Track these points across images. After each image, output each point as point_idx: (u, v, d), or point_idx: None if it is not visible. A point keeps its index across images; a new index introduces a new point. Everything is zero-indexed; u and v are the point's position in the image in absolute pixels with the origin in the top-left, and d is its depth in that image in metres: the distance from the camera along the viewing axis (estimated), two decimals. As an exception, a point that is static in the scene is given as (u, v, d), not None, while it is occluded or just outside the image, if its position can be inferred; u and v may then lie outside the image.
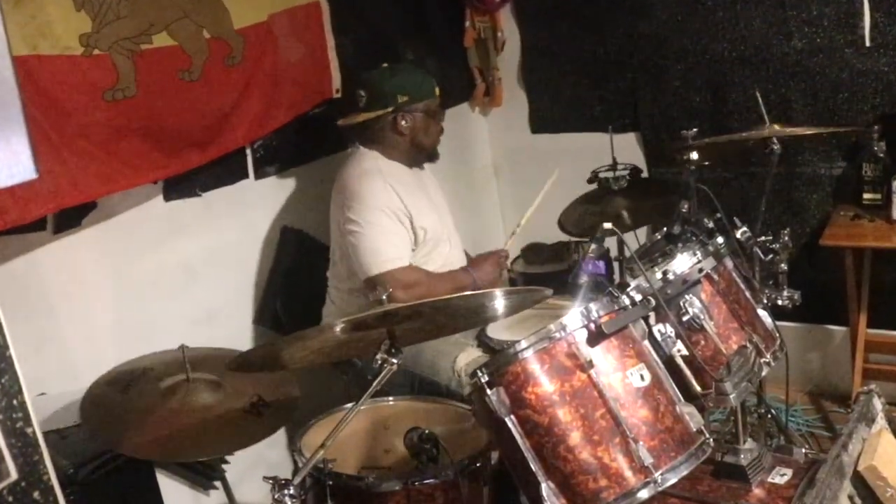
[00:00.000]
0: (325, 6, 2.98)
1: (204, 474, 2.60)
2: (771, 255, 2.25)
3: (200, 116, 2.52)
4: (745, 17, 3.24)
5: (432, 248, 2.70)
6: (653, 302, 1.72)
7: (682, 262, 1.87)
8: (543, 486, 1.60)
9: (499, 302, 1.84)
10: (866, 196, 3.06)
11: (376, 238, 2.54)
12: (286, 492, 1.52)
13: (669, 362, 1.76)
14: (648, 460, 1.57)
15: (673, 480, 1.59)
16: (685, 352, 1.79)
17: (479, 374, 1.65)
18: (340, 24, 3.04)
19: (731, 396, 1.73)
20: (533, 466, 1.61)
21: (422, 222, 2.65)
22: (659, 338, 1.77)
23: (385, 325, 1.65)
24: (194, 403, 1.95)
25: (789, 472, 1.87)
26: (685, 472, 1.60)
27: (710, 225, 2.02)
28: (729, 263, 2.01)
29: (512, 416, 1.62)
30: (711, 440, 1.67)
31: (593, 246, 1.90)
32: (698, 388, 1.77)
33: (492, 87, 3.85)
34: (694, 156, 2.45)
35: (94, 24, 2.18)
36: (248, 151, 2.86)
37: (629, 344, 1.69)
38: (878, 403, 2.03)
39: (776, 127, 2.54)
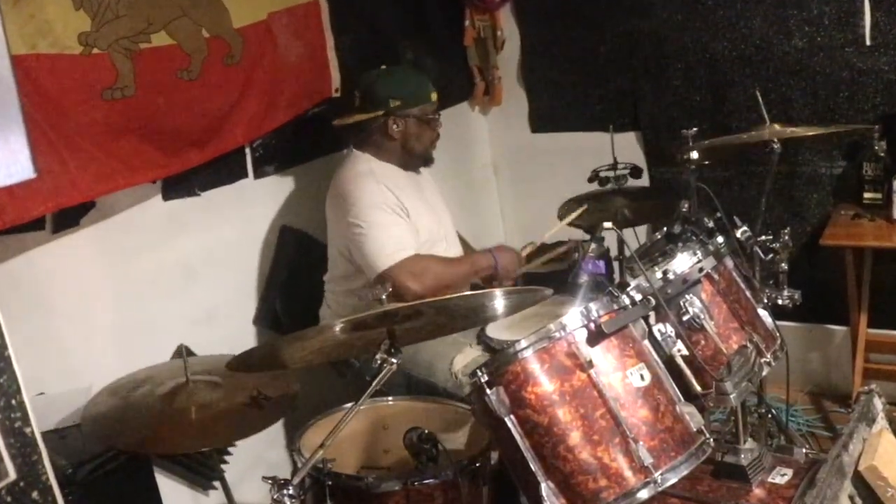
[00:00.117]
0: (324, 5, 2.97)
1: (203, 474, 2.60)
2: (771, 255, 2.25)
3: (199, 116, 2.51)
4: (745, 16, 3.24)
5: (428, 248, 2.69)
6: (653, 301, 1.71)
7: (683, 262, 1.86)
8: (543, 486, 1.59)
9: (498, 302, 1.84)
10: (867, 195, 3.06)
11: (378, 235, 2.53)
12: (285, 492, 1.52)
13: (669, 362, 1.75)
14: (648, 460, 1.57)
15: (673, 480, 1.59)
16: (685, 351, 1.79)
17: (479, 373, 1.65)
18: (340, 23, 3.04)
19: (732, 396, 1.73)
20: (532, 466, 1.60)
21: (417, 222, 2.64)
22: (659, 337, 1.77)
23: (385, 324, 1.65)
24: (195, 401, 1.95)
25: (790, 472, 1.86)
26: (685, 472, 1.60)
27: (711, 224, 2.02)
28: (729, 263, 2.00)
29: (511, 416, 1.62)
30: (711, 440, 1.67)
31: (593, 245, 1.90)
32: (698, 388, 1.77)
33: (491, 86, 3.84)
34: (694, 155, 2.45)
35: (93, 24, 2.17)
36: (248, 151, 2.85)
37: (629, 343, 1.69)
38: (878, 403, 2.03)
39: (777, 127, 2.53)
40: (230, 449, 2.72)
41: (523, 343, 1.64)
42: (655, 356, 1.73)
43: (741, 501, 1.81)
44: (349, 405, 1.66)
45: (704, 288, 1.89)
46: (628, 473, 1.58)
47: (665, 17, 3.39)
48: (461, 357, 2.52)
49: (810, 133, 2.60)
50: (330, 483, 1.88)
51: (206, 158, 2.58)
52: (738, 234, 2.11)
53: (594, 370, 1.61)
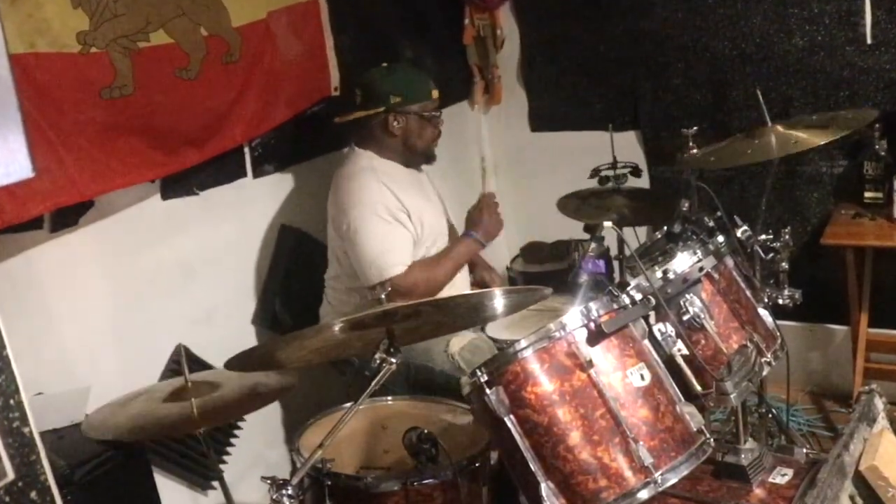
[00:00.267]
0: (323, 4, 2.96)
1: (202, 474, 2.60)
2: (772, 254, 2.24)
3: (198, 114, 2.51)
4: (745, 15, 3.23)
5: (431, 244, 2.70)
6: (653, 301, 1.71)
7: (683, 261, 1.86)
8: (543, 486, 1.59)
9: (498, 301, 1.83)
10: (867, 194, 3.05)
11: (374, 245, 2.54)
12: (284, 492, 1.52)
13: (670, 362, 1.75)
14: (648, 460, 1.56)
15: (673, 480, 1.58)
16: (685, 351, 1.78)
17: (479, 373, 1.64)
18: (339, 22, 3.03)
19: (732, 396, 1.73)
20: (532, 466, 1.60)
21: (420, 219, 2.64)
22: (659, 337, 1.76)
23: (384, 324, 1.65)
24: (195, 394, 1.95)
25: (790, 472, 1.86)
26: (685, 473, 1.60)
27: (711, 224, 2.01)
28: (729, 262, 2.00)
29: (511, 416, 1.62)
30: (712, 440, 1.67)
31: (593, 245, 1.89)
32: (699, 388, 1.76)
33: (491, 85, 3.84)
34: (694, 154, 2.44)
35: (92, 22, 2.16)
36: (247, 150, 2.84)
37: (629, 343, 1.68)
38: (879, 403, 2.03)
39: (779, 128, 2.51)
40: (229, 448, 2.73)
41: (523, 343, 1.63)
42: (655, 356, 1.73)
43: (742, 501, 1.81)
44: (348, 405, 1.66)
45: (705, 287, 1.88)
46: (628, 473, 1.57)
47: (665, 15, 3.38)
48: (457, 339, 2.55)
49: (815, 142, 2.51)
50: (329, 483, 1.87)
51: (205, 157, 2.57)
52: (739, 233, 2.10)
53: (594, 370, 1.61)
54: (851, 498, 1.78)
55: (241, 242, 2.90)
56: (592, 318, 1.65)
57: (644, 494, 1.56)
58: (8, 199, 1.98)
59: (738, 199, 3.30)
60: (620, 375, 1.63)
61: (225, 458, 2.70)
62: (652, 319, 1.75)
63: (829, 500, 1.69)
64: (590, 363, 1.61)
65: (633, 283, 1.77)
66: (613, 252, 2.82)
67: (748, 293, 2.01)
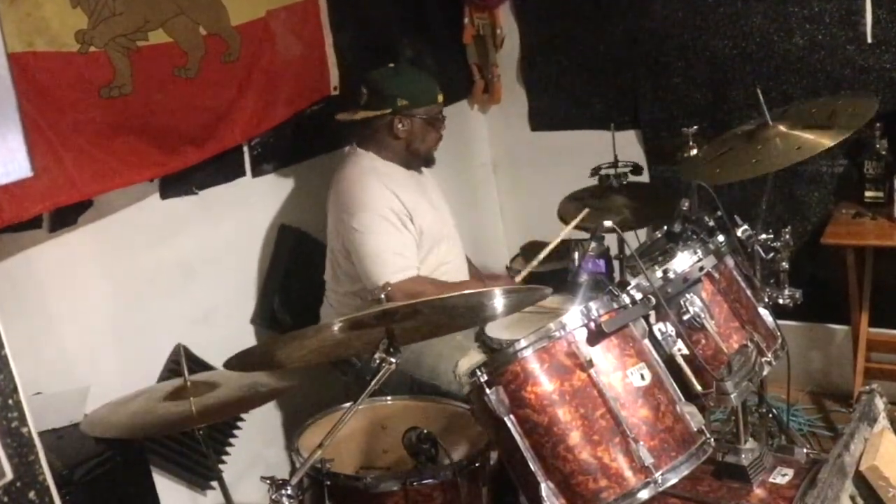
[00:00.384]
0: (322, 3, 2.96)
1: (201, 474, 2.60)
2: (772, 254, 2.24)
3: (197, 114, 2.50)
4: (746, 14, 3.22)
5: (429, 249, 2.68)
6: (653, 301, 1.71)
7: (683, 261, 1.85)
8: (543, 486, 1.59)
9: (498, 301, 1.83)
10: (868, 194, 3.04)
11: (380, 247, 2.53)
12: (284, 492, 1.51)
13: (670, 361, 1.75)
14: (649, 460, 1.56)
15: (673, 481, 1.58)
16: (686, 351, 1.78)
17: (478, 373, 1.64)
18: (338, 20, 3.02)
19: (732, 396, 1.72)
20: (532, 466, 1.60)
21: (420, 222, 2.63)
22: (659, 337, 1.76)
23: (384, 324, 1.64)
24: (194, 393, 1.95)
25: (791, 472, 1.86)
26: (686, 473, 1.60)
27: (711, 223, 2.01)
28: (730, 262, 1.99)
29: (511, 416, 1.62)
30: (712, 440, 1.67)
31: (593, 244, 1.89)
32: (699, 388, 1.76)
33: (491, 84, 3.83)
34: (694, 153, 2.44)
35: (90, 21, 2.16)
36: (246, 149, 2.84)
37: (629, 343, 1.68)
38: (879, 403, 2.02)
39: (781, 128, 2.50)
40: (228, 448, 2.72)
41: (523, 342, 1.63)
42: (656, 355, 1.72)
43: (742, 502, 1.80)
44: (347, 405, 1.65)
45: (705, 287, 1.88)
46: (628, 473, 1.57)
47: (665, 14, 3.38)
48: (466, 360, 2.51)
49: (819, 147, 2.48)
50: (328, 483, 1.87)
51: (204, 157, 2.57)
52: (739, 232, 2.09)
53: (594, 370, 1.61)
54: (852, 498, 1.78)
55: (241, 242, 2.90)
56: (592, 317, 1.64)
57: (644, 494, 1.56)
58: (7, 199, 1.98)
59: (739, 199, 3.29)
60: (620, 375, 1.63)
61: (224, 457, 2.69)
62: (652, 319, 1.75)
63: (830, 500, 1.69)
64: (590, 363, 1.61)
65: (633, 282, 1.76)
66: (614, 251, 2.82)
67: (748, 293, 2.00)
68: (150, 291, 2.56)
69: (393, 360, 1.61)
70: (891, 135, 2.98)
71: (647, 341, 1.72)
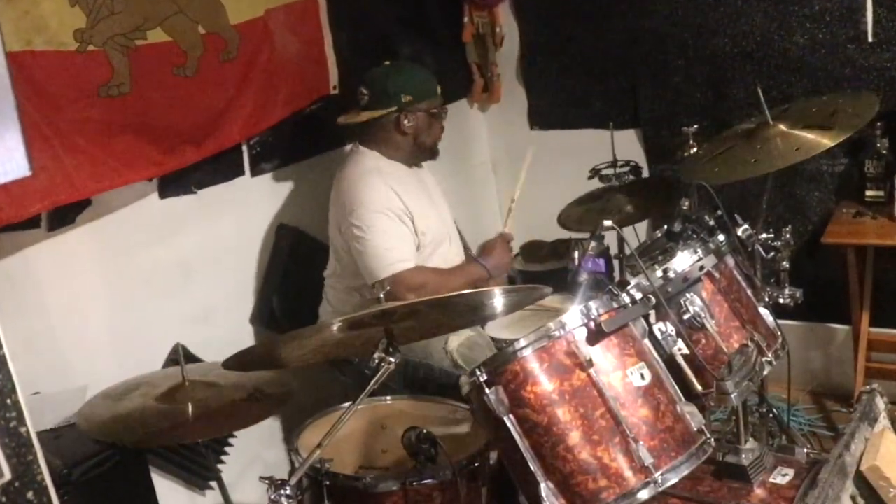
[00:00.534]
0: (322, 2, 2.96)
1: (200, 474, 2.59)
2: (772, 253, 2.23)
3: (196, 113, 2.50)
4: (746, 13, 3.22)
5: (433, 250, 2.69)
6: (653, 300, 1.70)
7: (683, 260, 1.85)
8: (542, 486, 1.58)
9: (497, 300, 1.83)
10: (869, 193, 3.04)
11: (380, 242, 2.53)
12: (282, 492, 1.51)
13: (670, 361, 1.74)
14: (649, 460, 1.56)
15: (673, 480, 1.58)
16: (686, 350, 1.78)
17: (478, 372, 1.63)
18: (337, 19, 3.02)
19: (733, 395, 1.72)
20: (532, 466, 1.59)
21: (422, 224, 2.64)
22: (659, 336, 1.75)
23: (383, 323, 1.64)
24: (192, 397, 1.94)
25: (791, 472, 1.85)
26: (686, 473, 1.59)
27: (711, 222, 2.00)
28: (730, 261, 1.99)
29: (510, 416, 1.61)
30: (712, 440, 1.66)
31: (593, 243, 1.88)
32: (699, 388, 1.76)
33: (490, 83, 3.83)
34: (694, 152, 2.43)
35: (89, 20, 2.16)
36: (245, 148, 2.84)
37: (629, 342, 1.67)
38: (880, 403, 2.02)
39: (781, 127, 2.49)
40: (227, 448, 2.72)
41: (522, 342, 1.62)
42: (656, 355, 1.72)
43: (742, 502, 1.80)
44: (347, 405, 1.65)
45: (705, 286, 1.87)
46: (628, 473, 1.57)
47: (665, 13, 3.37)
48: (455, 337, 2.55)
49: (819, 147, 2.46)
50: (328, 483, 1.86)
51: (203, 156, 2.56)
52: (739, 232, 2.09)
53: (594, 369, 1.60)
54: (853, 498, 1.77)
55: (239, 241, 2.89)
56: (592, 317, 1.64)
57: (644, 494, 1.56)
58: (5, 198, 1.97)
59: (739, 198, 3.28)
60: (620, 375, 1.62)
61: (223, 458, 2.69)
62: (652, 318, 1.75)
63: (831, 500, 1.68)
64: (589, 362, 1.60)
65: (633, 281, 1.76)
66: (613, 251, 2.82)
67: (749, 292, 2.00)
68: (148, 291, 2.55)
69: (392, 359, 1.61)
70: (891, 134, 2.98)
71: (647, 341, 1.72)
